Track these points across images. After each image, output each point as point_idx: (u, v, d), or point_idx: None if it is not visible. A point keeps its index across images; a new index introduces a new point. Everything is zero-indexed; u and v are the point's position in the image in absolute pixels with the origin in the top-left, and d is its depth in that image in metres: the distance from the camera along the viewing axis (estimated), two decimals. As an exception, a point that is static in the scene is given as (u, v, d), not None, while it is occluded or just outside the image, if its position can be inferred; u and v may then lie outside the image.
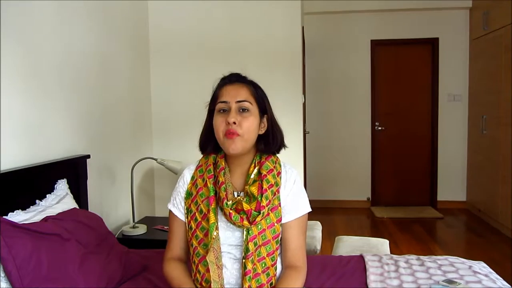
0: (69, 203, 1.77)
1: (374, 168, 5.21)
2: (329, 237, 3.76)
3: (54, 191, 1.80)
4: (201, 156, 1.36)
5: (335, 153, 5.22)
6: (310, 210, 1.30)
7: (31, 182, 1.71)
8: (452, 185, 5.09)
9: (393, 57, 5.16)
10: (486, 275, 1.64)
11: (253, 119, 1.23)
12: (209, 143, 1.30)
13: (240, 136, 1.20)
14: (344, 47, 5.11)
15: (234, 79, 1.28)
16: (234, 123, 1.19)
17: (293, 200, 1.28)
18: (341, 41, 5.11)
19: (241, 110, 1.22)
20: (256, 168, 1.27)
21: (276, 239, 1.23)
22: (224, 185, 1.23)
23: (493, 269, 1.76)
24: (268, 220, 1.22)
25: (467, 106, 4.99)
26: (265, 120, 1.29)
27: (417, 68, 5.14)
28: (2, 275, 1.23)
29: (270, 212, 1.22)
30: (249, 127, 1.21)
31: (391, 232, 4.18)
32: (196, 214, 1.24)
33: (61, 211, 1.61)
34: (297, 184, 1.30)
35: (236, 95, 1.22)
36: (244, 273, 1.18)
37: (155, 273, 1.71)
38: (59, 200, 1.74)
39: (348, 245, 2.55)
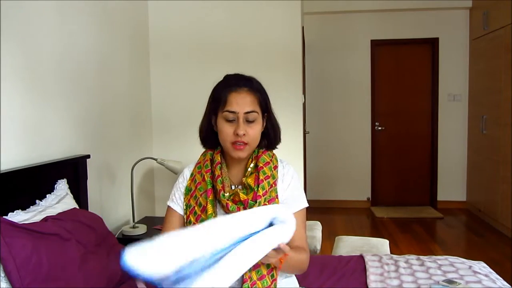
0: (69, 203, 1.77)
1: (374, 168, 5.21)
2: (329, 237, 3.76)
3: (54, 191, 1.80)
4: (200, 154, 1.39)
5: (335, 153, 5.22)
6: (307, 205, 1.33)
7: (31, 182, 1.71)
8: (452, 185, 5.09)
9: (393, 57, 5.15)
10: (486, 275, 1.64)
11: (258, 126, 1.27)
12: (208, 139, 1.34)
13: (248, 146, 1.24)
14: (344, 47, 5.11)
15: (241, 83, 1.26)
16: (244, 134, 1.22)
17: (293, 194, 1.31)
18: (341, 41, 5.11)
19: (248, 120, 1.24)
20: (253, 162, 1.31)
21: None
22: (220, 178, 1.27)
23: (493, 269, 1.76)
24: None
25: (467, 106, 4.99)
26: (265, 118, 1.32)
27: (417, 68, 5.14)
28: (2, 275, 1.23)
29: (267, 203, 1.24)
30: (255, 135, 1.26)
31: (391, 232, 4.18)
32: (196, 208, 1.27)
33: (61, 211, 1.61)
34: (295, 178, 1.34)
35: (244, 105, 1.22)
36: None
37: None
38: (59, 200, 1.74)
39: (348, 245, 2.55)
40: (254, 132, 1.25)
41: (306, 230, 1.35)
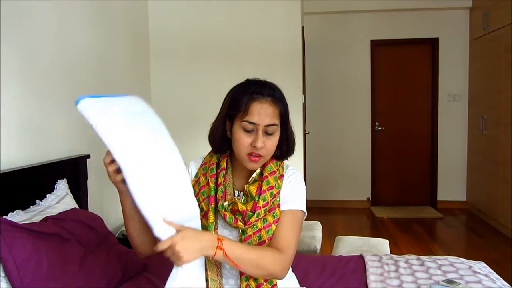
0: (69, 203, 1.77)
1: (374, 168, 5.21)
2: (329, 237, 3.76)
3: (54, 191, 1.80)
4: (207, 152, 1.33)
5: (335, 153, 5.22)
6: (303, 210, 1.26)
7: (31, 182, 1.71)
8: (452, 185, 5.09)
9: (393, 57, 5.15)
10: (486, 275, 1.64)
11: (276, 138, 1.22)
12: (221, 144, 1.27)
13: (263, 158, 1.20)
14: (344, 47, 5.11)
15: (265, 93, 1.18)
16: (262, 147, 1.17)
17: (287, 194, 1.25)
18: (341, 41, 5.11)
19: (267, 132, 1.18)
20: (259, 169, 1.26)
21: None
22: (222, 186, 1.23)
23: (493, 269, 1.76)
24: (265, 220, 1.20)
25: (467, 106, 4.99)
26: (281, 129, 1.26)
27: (417, 68, 5.14)
28: (2, 275, 1.23)
29: (267, 213, 1.20)
30: (272, 146, 1.21)
31: (391, 232, 4.17)
32: None
33: (61, 211, 1.61)
34: (293, 182, 1.28)
35: (265, 117, 1.16)
36: (240, 273, 1.19)
37: (155, 272, 1.71)
38: (59, 200, 1.74)
39: (348, 245, 2.55)
40: (272, 144, 1.20)
41: (295, 234, 1.23)
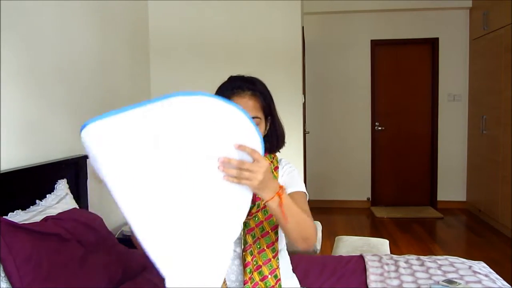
0: (69, 203, 1.77)
1: (374, 168, 5.21)
2: (329, 237, 3.76)
3: (54, 191, 1.80)
4: None
5: (335, 153, 5.22)
6: (306, 192, 1.27)
7: (31, 182, 1.71)
8: (452, 185, 5.09)
9: (393, 57, 5.15)
10: (486, 275, 1.64)
11: (260, 131, 1.21)
12: None
13: None
14: (344, 47, 5.11)
15: (244, 86, 1.21)
16: None
17: (285, 181, 1.26)
18: (341, 41, 5.11)
19: None
20: None
21: (275, 230, 1.24)
22: None
23: (493, 269, 1.76)
24: (265, 212, 1.23)
25: (467, 106, 4.99)
26: (268, 122, 1.28)
27: (417, 68, 5.14)
28: (2, 275, 1.23)
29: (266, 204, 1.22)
30: None
31: (391, 232, 4.17)
32: None
33: (61, 211, 1.61)
34: (288, 171, 1.30)
35: (246, 110, 1.17)
36: (244, 266, 1.20)
37: (155, 273, 1.71)
38: (59, 200, 1.74)
39: (348, 245, 2.55)
40: None
41: (308, 210, 1.22)
